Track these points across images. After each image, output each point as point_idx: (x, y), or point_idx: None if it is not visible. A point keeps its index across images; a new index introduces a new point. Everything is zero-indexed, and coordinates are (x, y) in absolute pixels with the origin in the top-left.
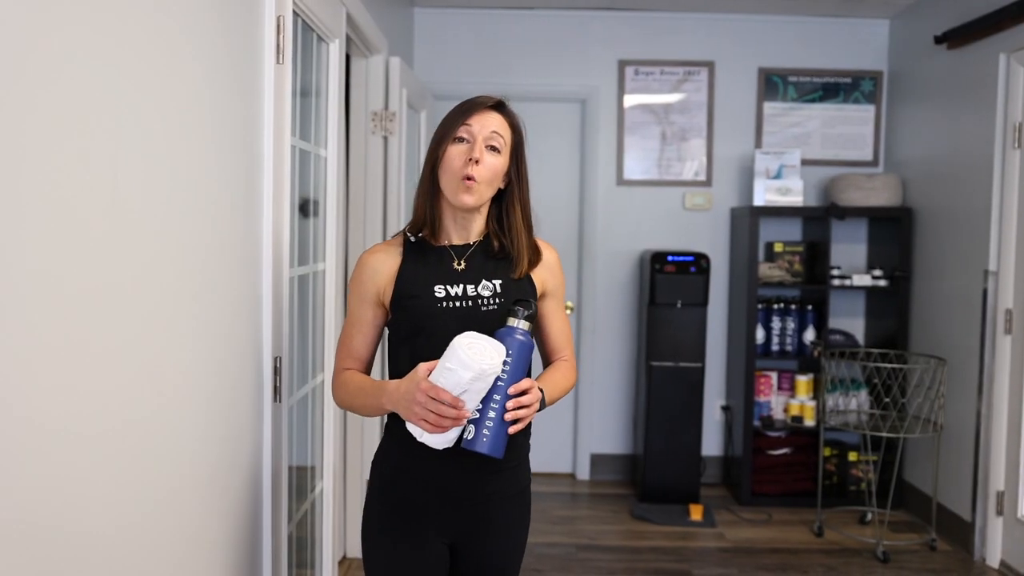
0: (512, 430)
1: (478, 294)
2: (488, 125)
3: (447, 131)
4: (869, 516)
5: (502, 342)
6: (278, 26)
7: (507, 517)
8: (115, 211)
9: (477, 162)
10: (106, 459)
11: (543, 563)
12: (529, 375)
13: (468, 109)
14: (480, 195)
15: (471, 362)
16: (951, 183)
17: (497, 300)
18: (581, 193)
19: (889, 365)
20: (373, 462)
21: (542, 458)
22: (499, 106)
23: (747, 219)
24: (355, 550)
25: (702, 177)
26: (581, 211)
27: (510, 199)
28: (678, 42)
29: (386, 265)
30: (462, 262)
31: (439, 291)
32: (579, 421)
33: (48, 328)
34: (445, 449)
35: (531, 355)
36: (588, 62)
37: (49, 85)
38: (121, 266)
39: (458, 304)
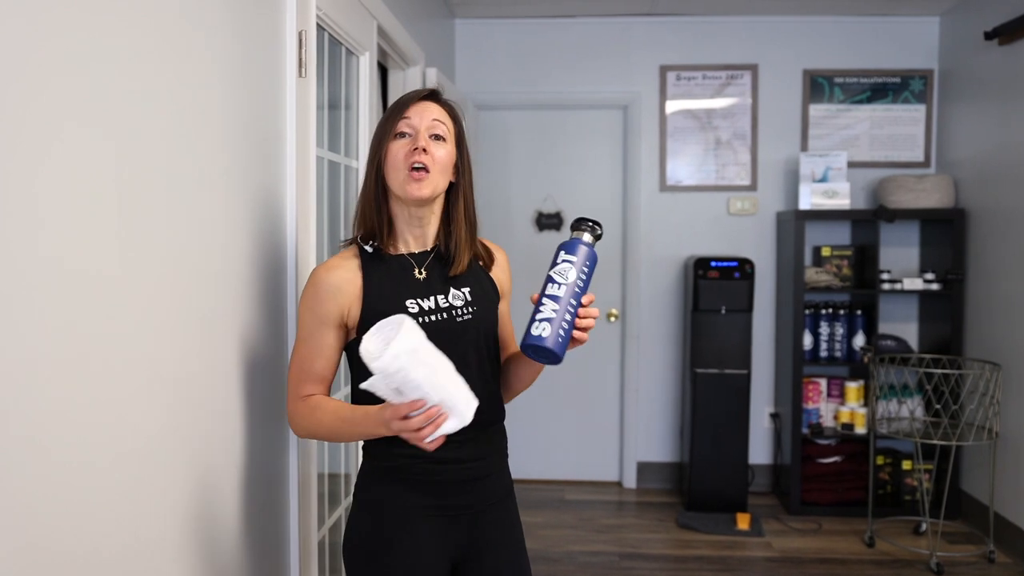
0: (583, 337)
1: (451, 304)
2: (428, 115)
3: (386, 130)
4: (923, 526)
5: (573, 252)
6: (300, 41)
7: (501, 525)
8: (130, 223)
9: (425, 151)
10: (121, 469)
11: (585, 571)
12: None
13: (403, 104)
14: (434, 185)
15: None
16: (1005, 182)
17: (471, 309)
18: (624, 200)
19: (942, 371)
20: (356, 488)
21: (589, 466)
22: (434, 95)
23: (793, 223)
24: None
25: (747, 182)
26: (624, 218)
27: (455, 193)
28: (720, 46)
29: (348, 282)
30: (423, 271)
31: (412, 306)
32: (625, 429)
33: (64, 338)
34: (434, 462)
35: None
36: (629, 68)
37: (73, 102)
38: (138, 277)
39: (434, 318)
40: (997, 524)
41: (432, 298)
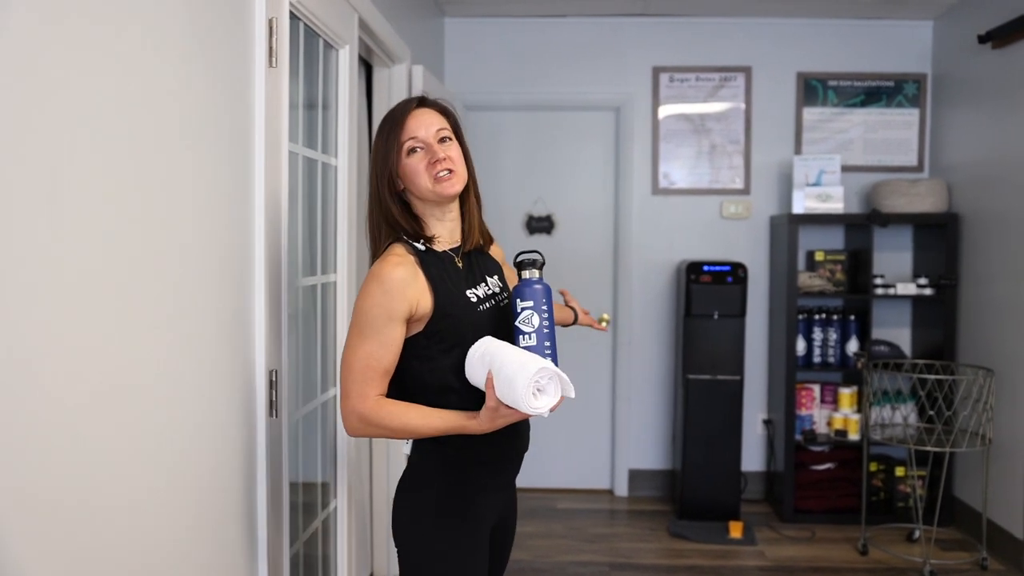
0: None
1: (494, 292)
2: (430, 124)
3: (391, 146)
4: (917, 534)
5: (528, 297)
6: (270, 28)
7: (514, 502)
8: (88, 222)
9: (444, 158)
10: (72, 478)
11: None
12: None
13: (401, 119)
14: (462, 180)
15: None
16: (999, 187)
17: (506, 294)
18: (616, 203)
19: (935, 376)
20: (419, 473)
21: (580, 474)
22: (424, 102)
23: (786, 227)
24: (382, 566)
25: (740, 185)
26: (616, 221)
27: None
28: (714, 47)
29: (414, 277)
30: (461, 261)
31: (471, 296)
32: (617, 436)
33: (20, 342)
34: (501, 441)
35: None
36: (622, 69)
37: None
38: (97, 277)
39: (488, 305)
40: (990, 531)
41: (480, 287)
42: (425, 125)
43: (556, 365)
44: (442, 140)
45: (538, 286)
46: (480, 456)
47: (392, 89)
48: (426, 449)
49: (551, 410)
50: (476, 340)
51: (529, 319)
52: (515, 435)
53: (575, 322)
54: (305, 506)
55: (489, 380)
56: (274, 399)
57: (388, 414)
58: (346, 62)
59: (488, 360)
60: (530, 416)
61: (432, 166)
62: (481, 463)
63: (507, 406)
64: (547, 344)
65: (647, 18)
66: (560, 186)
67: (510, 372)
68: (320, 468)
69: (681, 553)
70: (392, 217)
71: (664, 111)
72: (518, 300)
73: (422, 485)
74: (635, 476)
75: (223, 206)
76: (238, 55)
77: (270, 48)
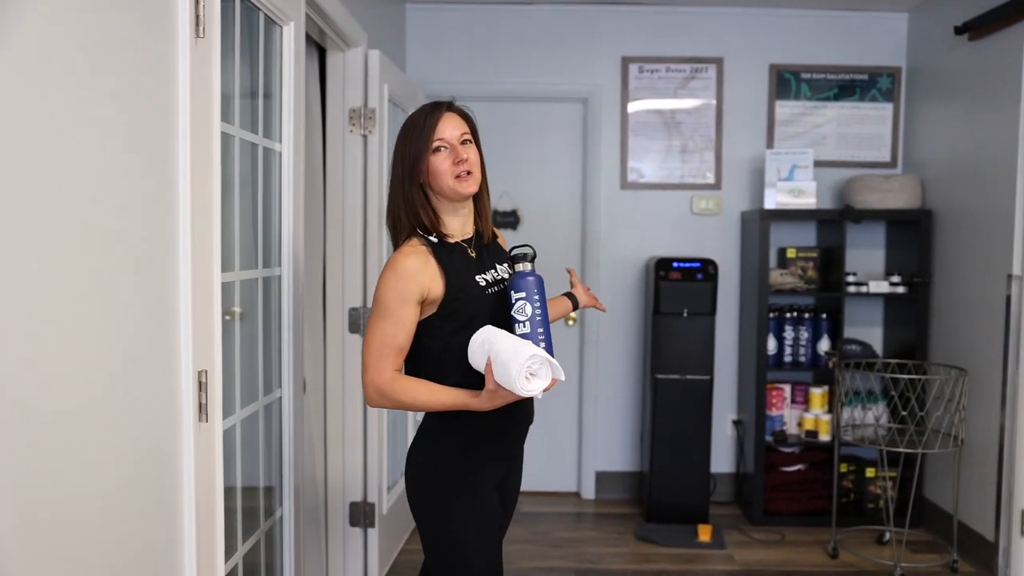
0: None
1: (502, 277)
2: (456, 127)
3: (422, 145)
4: (887, 536)
5: (521, 288)
6: None
7: (520, 465)
8: None
9: (466, 159)
10: None
11: None
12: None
13: (433, 121)
14: (478, 180)
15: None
16: (973, 183)
17: None
18: (584, 197)
19: (908, 376)
20: (433, 441)
21: (545, 476)
22: (451, 106)
23: (758, 223)
24: (338, 570)
25: (711, 180)
26: (584, 216)
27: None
28: (684, 37)
29: (426, 264)
30: (473, 251)
31: (480, 280)
32: (584, 437)
33: None
34: (501, 417)
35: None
36: (590, 59)
37: None
38: None
39: (496, 289)
40: (961, 533)
41: (489, 273)
42: (451, 127)
43: (551, 350)
44: (464, 143)
45: (530, 278)
46: (482, 428)
47: (347, 74)
48: (434, 419)
49: (544, 391)
50: (485, 320)
51: (523, 308)
52: (516, 412)
53: (576, 308)
54: (249, 512)
55: (488, 365)
56: (204, 401)
57: (401, 388)
58: (291, 40)
59: (487, 347)
60: (525, 397)
61: (455, 166)
62: (483, 435)
63: (505, 388)
64: (540, 331)
65: (616, 7)
66: (526, 180)
67: (506, 358)
68: (263, 473)
69: (649, 557)
70: (414, 209)
71: (634, 106)
72: (512, 291)
73: (430, 449)
74: (602, 478)
75: (139, 193)
76: (157, 22)
77: (196, 16)
